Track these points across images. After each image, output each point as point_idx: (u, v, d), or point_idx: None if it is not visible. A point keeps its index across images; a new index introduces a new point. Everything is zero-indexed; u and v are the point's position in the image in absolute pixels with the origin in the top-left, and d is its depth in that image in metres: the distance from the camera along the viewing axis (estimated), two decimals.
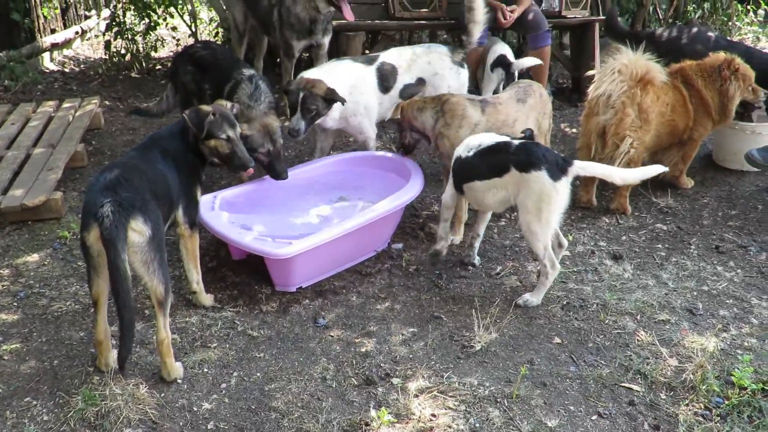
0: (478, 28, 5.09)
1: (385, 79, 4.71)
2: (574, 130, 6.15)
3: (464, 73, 5.00)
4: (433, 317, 3.54)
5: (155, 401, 2.91)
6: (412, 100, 4.35)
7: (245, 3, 6.39)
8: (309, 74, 4.45)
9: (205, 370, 3.13)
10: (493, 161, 3.60)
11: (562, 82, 7.51)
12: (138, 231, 2.81)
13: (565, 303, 3.66)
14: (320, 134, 4.83)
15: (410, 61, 4.81)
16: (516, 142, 3.61)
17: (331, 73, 4.49)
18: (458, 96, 4.25)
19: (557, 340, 3.36)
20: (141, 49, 8.55)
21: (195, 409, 2.89)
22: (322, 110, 4.36)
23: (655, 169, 3.55)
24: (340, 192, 4.50)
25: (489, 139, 3.73)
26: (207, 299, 3.59)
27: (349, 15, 5.64)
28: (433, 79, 4.89)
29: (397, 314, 3.57)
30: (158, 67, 8.36)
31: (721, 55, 4.75)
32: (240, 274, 3.91)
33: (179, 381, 3.03)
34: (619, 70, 4.51)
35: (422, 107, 4.24)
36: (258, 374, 3.10)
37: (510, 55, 6.35)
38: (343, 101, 4.36)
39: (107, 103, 6.95)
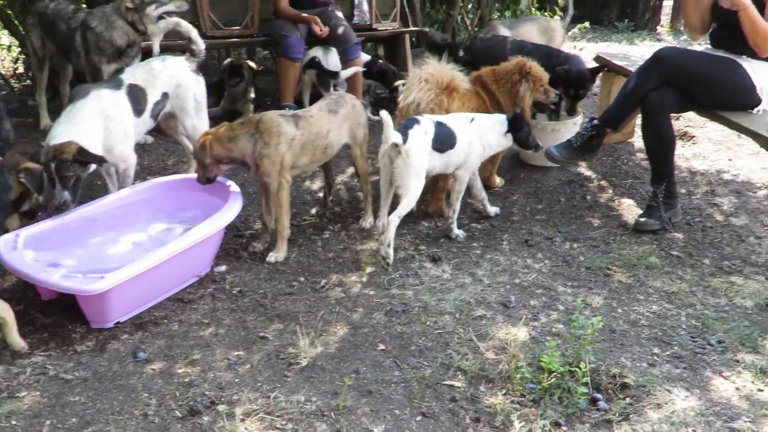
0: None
1: (138, 101, 4.60)
2: None
3: (203, 81, 5.01)
4: (259, 338, 3.50)
5: None
6: (215, 133, 4.18)
7: (41, 27, 6.05)
8: (57, 134, 4.12)
9: (14, 422, 2.91)
10: None
11: (380, 93, 7.69)
12: None
13: (388, 309, 3.74)
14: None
15: (153, 77, 4.72)
16: None
17: (77, 124, 4.20)
18: (270, 114, 4.24)
19: (381, 346, 3.43)
20: None
21: None
22: (81, 173, 4.11)
23: None
24: (156, 218, 4.37)
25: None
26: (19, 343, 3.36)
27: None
28: (178, 91, 4.85)
29: (221, 339, 3.51)
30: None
31: (515, 59, 5.05)
32: (51, 314, 3.69)
33: None
34: (426, 79, 4.69)
35: (233, 136, 4.15)
36: (73, 419, 2.93)
37: (330, 60, 6.51)
38: (100, 161, 4.16)
39: None
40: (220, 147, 4.15)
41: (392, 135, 4.05)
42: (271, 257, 4.28)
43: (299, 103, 6.62)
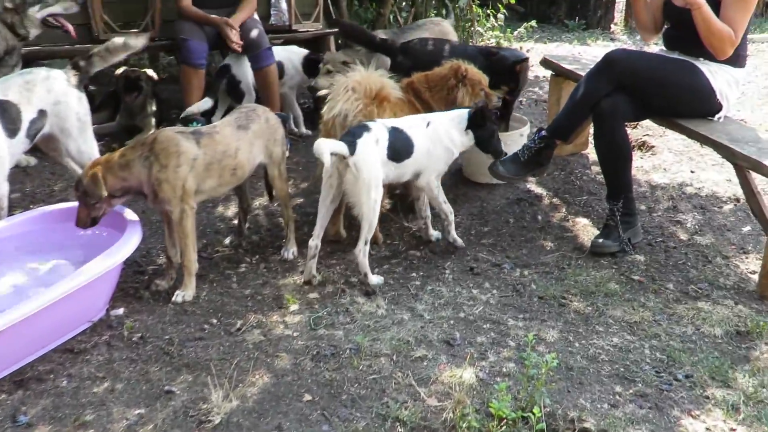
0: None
1: (10, 120, 4.47)
2: None
3: (84, 98, 4.90)
4: (164, 392, 3.40)
5: None
6: (106, 162, 4.07)
7: None
8: None
9: None
10: None
11: (302, 102, 7.67)
12: None
13: (315, 353, 3.68)
14: None
15: (28, 91, 4.61)
16: None
17: None
18: (166, 132, 4.16)
19: (308, 397, 3.36)
20: None
21: None
22: None
23: None
24: (38, 255, 4.24)
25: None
26: None
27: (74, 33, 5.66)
28: (56, 109, 4.73)
29: (119, 395, 3.39)
30: None
31: (449, 63, 5.09)
32: None
33: None
34: (353, 87, 4.67)
35: (126, 162, 4.03)
36: None
37: (243, 67, 6.48)
38: None
39: None
40: (113, 178, 4.03)
41: (333, 146, 4.02)
42: (178, 296, 4.19)
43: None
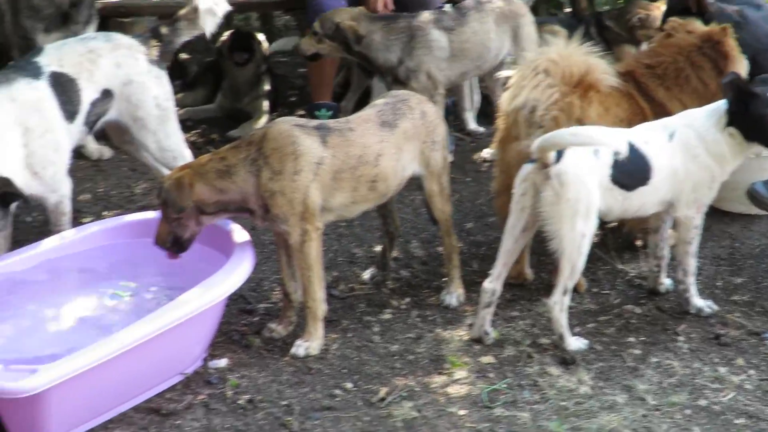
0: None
1: (68, 99, 4.72)
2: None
3: (166, 78, 5.13)
4: None
5: None
6: (197, 166, 4.24)
7: None
8: None
9: None
10: None
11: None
12: None
13: None
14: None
15: (91, 63, 4.85)
16: None
17: None
18: (281, 125, 4.32)
19: None
20: None
21: None
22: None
23: None
24: (114, 279, 4.49)
25: None
26: None
27: None
28: (127, 91, 4.96)
29: None
30: None
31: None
32: None
33: None
34: (546, 69, 4.67)
35: (226, 168, 4.18)
36: None
37: None
38: (21, 197, 4.35)
39: None
40: (207, 188, 4.19)
41: (541, 144, 4.08)
42: (300, 348, 4.33)
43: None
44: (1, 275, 4.31)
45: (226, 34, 7.38)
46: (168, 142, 5.12)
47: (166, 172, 5.13)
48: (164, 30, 5.17)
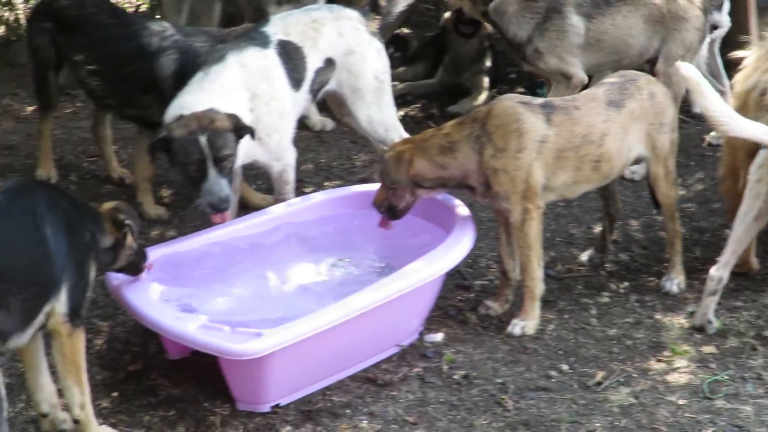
0: None
1: (294, 67, 4.76)
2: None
3: (384, 51, 5.14)
4: None
5: None
6: (420, 140, 4.30)
7: None
8: (186, 103, 4.42)
9: None
10: None
11: None
12: None
13: None
14: None
15: (315, 32, 4.88)
16: None
17: (214, 92, 4.47)
18: (505, 102, 4.30)
19: None
20: (21, 17, 8.65)
21: None
22: (235, 153, 4.38)
23: None
24: (337, 249, 4.57)
25: None
26: None
27: None
28: (348, 61, 4.99)
29: None
30: None
31: None
32: (180, 383, 3.92)
33: None
34: None
35: (449, 144, 4.21)
36: None
37: None
38: (252, 132, 4.42)
39: None
40: (428, 163, 4.23)
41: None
42: (516, 327, 4.32)
43: None
44: (227, 241, 4.43)
45: (447, 13, 7.39)
46: (381, 115, 5.16)
47: (382, 146, 5.24)
48: (382, 2, 5.22)
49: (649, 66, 5.87)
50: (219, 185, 4.27)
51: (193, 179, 4.33)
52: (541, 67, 5.96)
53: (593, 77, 6.39)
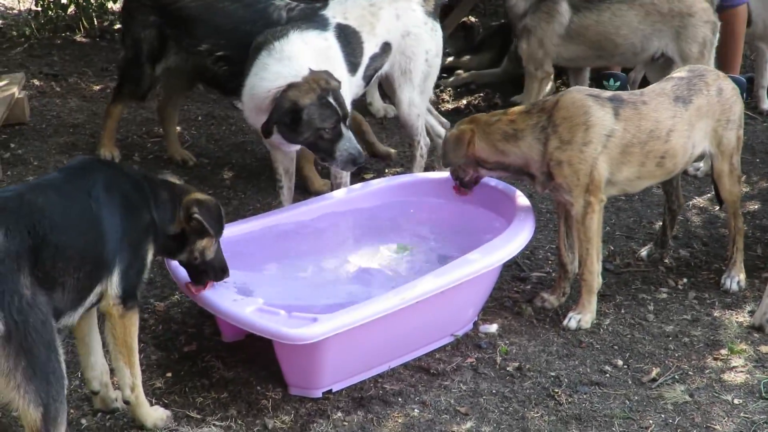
0: None
1: (352, 51, 4.74)
2: None
3: (440, 31, 5.13)
4: None
5: None
6: (485, 122, 4.29)
7: None
8: (279, 71, 4.43)
9: None
10: None
11: None
12: None
13: None
14: (282, 158, 4.84)
15: (372, 15, 4.86)
16: None
17: (298, 55, 4.49)
18: (573, 94, 4.26)
19: None
20: None
21: None
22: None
23: None
24: (396, 236, 4.56)
25: None
26: (152, 416, 3.54)
27: None
28: (404, 43, 4.99)
29: None
30: (118, 26, 8.53)
31: None
32: (234, 366, 3.93)
33: None
34: None
35: (513, 132, 4.21)
36: None
37: None
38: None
39: (37, 82, 7.13)
40: (489, 148, 4.24)
41: None
42: (571, 320, 4.28)
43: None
44: (287, 225, 4.44)
45: None
46: (419, 99, 5.18)
47: (440, 130, 5.38)
48: None
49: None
50: (353, 139, 4.37)
51: (326, 142, 4.35)
52: (523, 47, 6.06)
53: (574, 71, 6.43)
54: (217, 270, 3.77)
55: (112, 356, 3.46)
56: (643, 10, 5.77)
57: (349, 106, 4.75)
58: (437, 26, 5.15)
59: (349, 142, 4.33)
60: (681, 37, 5.69)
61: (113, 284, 3.30)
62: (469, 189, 4.47)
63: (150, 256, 3.49)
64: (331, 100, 4.26)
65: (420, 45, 5.05)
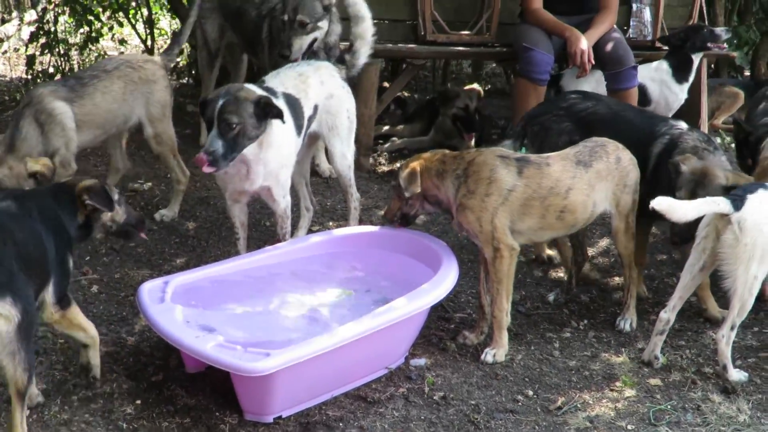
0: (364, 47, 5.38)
1: (296, 115, 4.77)
2: None
3: (351, 94, 5.25)
4: None
5: None
6: (428, 160, 4.39)
7: (223, 15, 6.54)
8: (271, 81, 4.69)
9: None
10: None
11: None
12: (4, 316, 3.08)
13: None
14: (239, 212, 4.84)
15: (302, 83, 4.92)
16: None
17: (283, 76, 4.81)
18: (487, 154, 4.35)
19: None
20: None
21: None
22: (251, 130, 4.33)
23: None
24: (340, 282, 4.56)
25: None
26: None
27: None
28: (329, 103, 5.07)
29: None
30: None
31: None
32: (196, 394, 3.91)
33: None
34: None
35: (442, 171, 4.32)
36: None
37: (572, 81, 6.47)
38: (282, 116, 4.41)
39: None
40: (428, 180, 4.36)
41: (716, 201, 3.97)
42: (488, 355, 4.31)
43: None
44: (246, 270, 4.45)
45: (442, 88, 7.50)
46: (348, 151, 5.24)
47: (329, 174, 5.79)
48: (347, 56, 5.37)
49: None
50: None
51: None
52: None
53: None
54: (136, 223, 4.12)
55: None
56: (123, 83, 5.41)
57: (294, 166, 4.85)
58: (350, 90, 5.26)
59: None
60: (148, 102, 5.48)
61: (50, 294, 3.58)
62: (408, 224, 4.60)
63: (71, 261, 3.76)
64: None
65: (342, 104, 5.15)
